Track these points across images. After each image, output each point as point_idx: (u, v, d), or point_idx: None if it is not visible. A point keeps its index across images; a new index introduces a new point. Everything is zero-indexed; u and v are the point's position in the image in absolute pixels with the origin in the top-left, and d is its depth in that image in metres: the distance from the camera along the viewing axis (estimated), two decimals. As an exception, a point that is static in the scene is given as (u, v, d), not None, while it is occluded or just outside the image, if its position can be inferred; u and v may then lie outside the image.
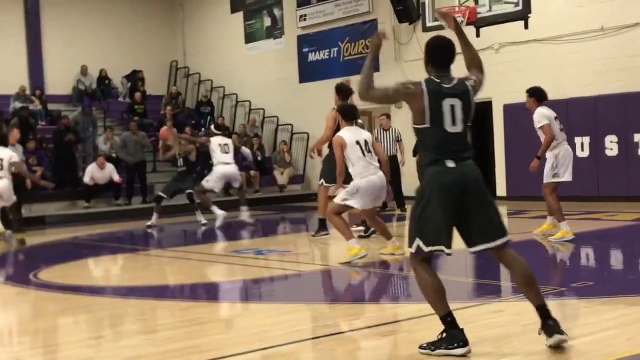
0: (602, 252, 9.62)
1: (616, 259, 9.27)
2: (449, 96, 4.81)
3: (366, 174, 8.50)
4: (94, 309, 7.19)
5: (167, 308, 7.07)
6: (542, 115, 9.65)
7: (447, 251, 4.75)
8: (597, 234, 10.97)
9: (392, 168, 14.82)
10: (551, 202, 9.77)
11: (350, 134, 8.61)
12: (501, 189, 16.94)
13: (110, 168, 17.86)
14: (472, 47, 5.18)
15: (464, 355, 4.66)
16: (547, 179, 9.79)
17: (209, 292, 8.11)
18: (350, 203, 8.52)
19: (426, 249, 4.76)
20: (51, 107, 21.40)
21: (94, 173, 17.68)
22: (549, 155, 9.77)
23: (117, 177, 17.83)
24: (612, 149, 15.05)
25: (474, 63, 5.13)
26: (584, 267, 8.85)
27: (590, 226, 11.57)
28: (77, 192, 18.05)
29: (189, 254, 10.91)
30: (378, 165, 8.71)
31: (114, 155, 18.93)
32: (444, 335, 4.73)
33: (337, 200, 8.63)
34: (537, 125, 9.65)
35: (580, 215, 12.57)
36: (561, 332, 4.69)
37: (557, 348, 4.70)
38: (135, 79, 23.05)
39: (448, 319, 4.74)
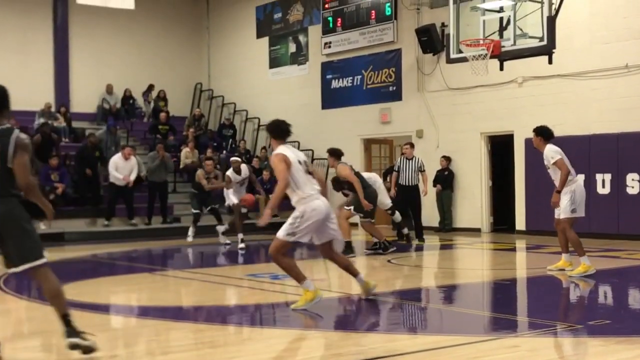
0: (619, 291, 9.53)
1: (634, 298, 9.18)
2: None
3: (311, 199, 7.50)
4: (109, 328, 7.21)
5: (181, 329, 7.08)
6: (554, 151, 9.78)
7: None
8: (616, 272, 10.87)
9: (413, 198, 14.86)
10: (572, 236, 9.82)
11: (291, 152, 7.57)
12: (520, 223, 16.87)
13: (133, 161, 17.96)
14: None
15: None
16: (566, 214, 9.81)
17: (223, 315, 8.11)
18: (296, 238, 7.49)
19: None
20: (75, 124, 21.63)
21: (117, 163, 17.72)
22: (565, 190, 9.79)
23: (134, 174, 17.87)
24: (633, 187, 14.97)
25: None
26: (601, 304, 8.77)
27: (609, 264, 11.47)
28: (97, 209, 18.18)
29: (205, 275, 10.94)
30: (319, 188, 7.67)
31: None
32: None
33: (281, 235, 7.53)
34: (551, 161, 9.74)
35: (599, 253, 12.48)
36: (76, 336, 5.60)
37: (74, 349, 5.57)
38: (148, 94, 23.36)
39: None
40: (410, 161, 14.79)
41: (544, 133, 10.01)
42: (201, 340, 6.46)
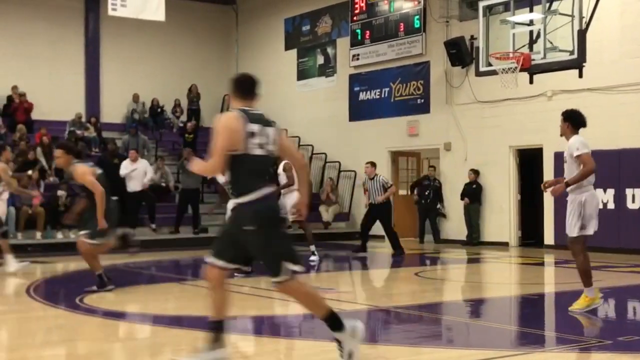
0: (650, 307, 9.42)
1: (665, 314, 9.07)
2: None
3: None
4: (136, 336, 7.24)
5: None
6: (581, 142, 7.98)
7: None
8: (646, 288, 10.75)
9: (380, 215, 15.35)
10: (581, 262, 8.05)
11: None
12: (549, 237, 16.73)
13: (144, 164, 17.99)
14: None
15: None
16: (573, 232, 7.97)
17: (249, 326, 8.13)
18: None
19: None
20: (105, 134, 21.85)
21: (127, 167, 17.86)
22: (571, 200, 7.99)
23: (149, 175, 17.92)
24: (664, 202, 14.81)
25: None
26: (631, 320, 8.68)
27: (638, 279, 11.34)
28: (122, 218, 18.23)
29: (232, 285, 10.95)
30: None
31: (164, 184, 19.16)
32: None
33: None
34: (575, 152, 7.88)
35: (627, 268, 12.34)
36: None
37: None
38: (176, 110, 23.67)
39: None
40: (372, 180, 15.13)
41: (573, 118, 8.24)
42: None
